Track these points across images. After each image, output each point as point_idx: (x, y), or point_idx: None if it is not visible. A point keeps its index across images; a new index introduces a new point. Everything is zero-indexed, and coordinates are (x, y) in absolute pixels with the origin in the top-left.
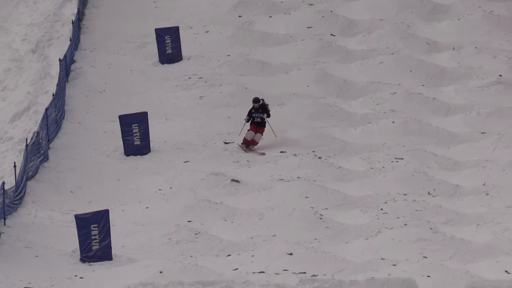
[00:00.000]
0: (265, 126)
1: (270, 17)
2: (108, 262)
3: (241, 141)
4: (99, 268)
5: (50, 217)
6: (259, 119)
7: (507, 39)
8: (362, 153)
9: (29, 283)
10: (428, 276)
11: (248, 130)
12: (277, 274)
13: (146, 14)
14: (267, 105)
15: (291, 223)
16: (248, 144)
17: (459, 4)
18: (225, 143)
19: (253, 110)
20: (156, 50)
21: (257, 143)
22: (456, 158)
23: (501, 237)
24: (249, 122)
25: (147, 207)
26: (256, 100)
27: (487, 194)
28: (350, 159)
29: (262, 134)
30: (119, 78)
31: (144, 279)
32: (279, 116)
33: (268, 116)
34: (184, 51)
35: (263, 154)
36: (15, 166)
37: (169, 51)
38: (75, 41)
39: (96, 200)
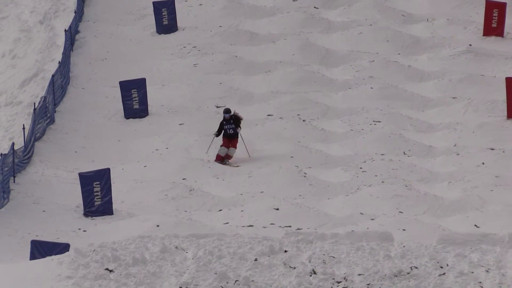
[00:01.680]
0: (237, 138)
1: None
2: (109, 216)
3: (213, 157)
4: (101, 222)
5: (56, 175)
6: (231, 131)
7: (476, 12)
8: (343, 116)
9: (37, 235)
10: (404, 230)
11: (221, 146)
12: (265, 227)
13: None
14: (241, 118)
15: (277, 180)
16: (223, 159)
17: None
18: (217, 107)
19: (224, 122)
20: (154, 22)
21: (231, 157)
22: (430, 121)
23: (471, 194)
24: (219, 136)
25: (145, 166)
26: (227, 111)
27: (458, 154)
28: (332, 122)
29: (235, 148)
30: (120, 47)
31: (142, 232)
32: (266, 82)
33: (238, 127)
34: (180, 22)
35: (238, 166)
36: (24, 128)
37: (165, 22)
38: (79, 13)
39: (98, 159)
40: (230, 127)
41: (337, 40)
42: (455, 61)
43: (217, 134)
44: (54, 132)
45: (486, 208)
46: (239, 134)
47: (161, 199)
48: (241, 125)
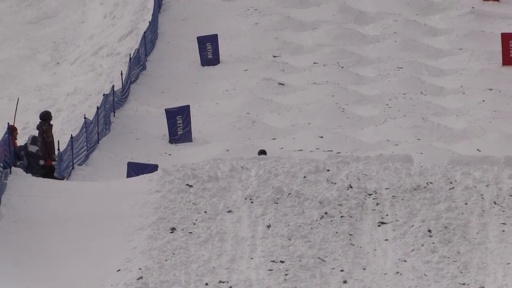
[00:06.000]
0: None
1: None
2: (189, 143)
3: None
4: (182, 148)
5: (147, 111)
6: None
7: None
8: (373, 64)
9: (132, 158)
10: (421, 153)
11: None
12: (312, 151)
13: None
14: None
15: (321, 114)
16: None
17: None
18: (274, 56)
19: None
20: None
21: None
22: (441, 67)
23: (474, 125)
24: None
25: (217, 103)
26: (262, 153)
27: (464, 93)
28: (364, 68)
29: None
30: (197, 9)
31: (215, 155)
32: (312, 37)
33: None
34: None
35: None
36: (121, 74)
37: None
38: None
39: (180, 98)
40: None
41: (368, 4)
42: (461, 20)
43: None
44: (146, 77)
45: (486, 136)
46: None
47: (230, 129)
48: None
